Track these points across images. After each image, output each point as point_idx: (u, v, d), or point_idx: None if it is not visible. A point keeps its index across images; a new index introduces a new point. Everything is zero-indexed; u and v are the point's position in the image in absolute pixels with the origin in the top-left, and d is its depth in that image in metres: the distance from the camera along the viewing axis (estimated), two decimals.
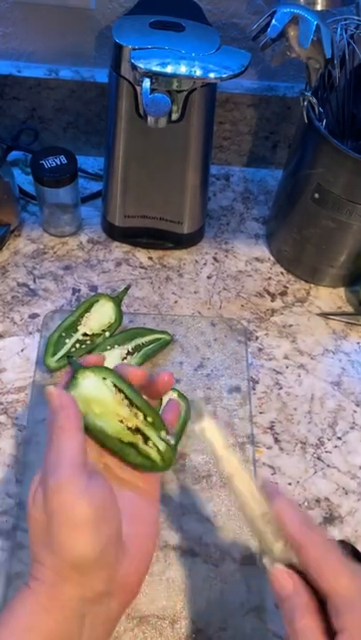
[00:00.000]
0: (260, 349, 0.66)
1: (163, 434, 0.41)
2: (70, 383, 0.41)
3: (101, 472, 0.39)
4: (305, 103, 0.58)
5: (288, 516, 0.36)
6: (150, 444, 0.41)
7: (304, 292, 0.72)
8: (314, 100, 0.57)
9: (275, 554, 0.36)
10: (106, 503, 0.36)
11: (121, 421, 0.41)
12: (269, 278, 0.73)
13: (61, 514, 0.35)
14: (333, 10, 0.60)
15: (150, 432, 0.41)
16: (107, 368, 0.42)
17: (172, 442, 0.41)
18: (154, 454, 0.40)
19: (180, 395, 0.59)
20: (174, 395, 0.59)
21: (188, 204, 0.68)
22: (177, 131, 0.60)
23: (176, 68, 0.52)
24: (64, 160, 0.66)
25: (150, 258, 0.73)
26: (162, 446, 0.40)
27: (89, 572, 0.35)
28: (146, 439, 0.41)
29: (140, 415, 0.41)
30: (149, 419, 0.41)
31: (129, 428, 0.41)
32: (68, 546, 0.35)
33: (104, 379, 0.41)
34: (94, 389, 0.41)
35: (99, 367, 0.42)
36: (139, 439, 0.41)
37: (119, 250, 0.73)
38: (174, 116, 0.58)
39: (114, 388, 0.41)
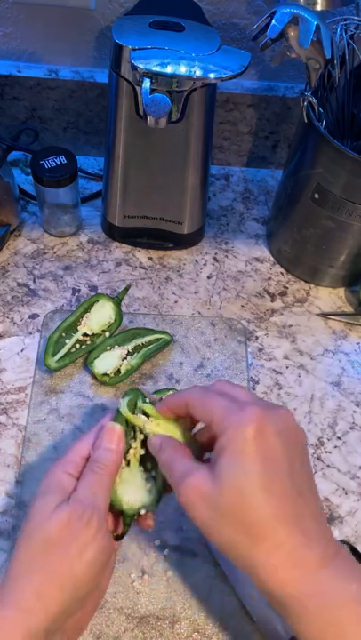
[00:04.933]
0: (260, 349, 0.66)
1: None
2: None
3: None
4: (305, 103, 0.58)
5: (173, 396, 0.43)
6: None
7: (304, 292, 0.72)
8: (314, 100, 0.57)
9: (147, 431, 0.43)
10: (109, 555, 0.40)
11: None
12: (269, 278, 0.73)
13: (82, 542, 0.37)
14: (333, 10, 0.60)
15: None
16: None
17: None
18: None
19: None
20: None
21: (188, 205, 0.68)
22: (177, 131, 0.60)
23: (176, 68, 0.52)
24: (64, 160, 0.66)
25: (150, 258, 0.73)
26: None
27: (71, 602, 0.37)
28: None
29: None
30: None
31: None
32: (74, 571, 0.37)
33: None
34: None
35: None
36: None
37: (119, 250, 0.73)
38: (174, 117, 0.58)
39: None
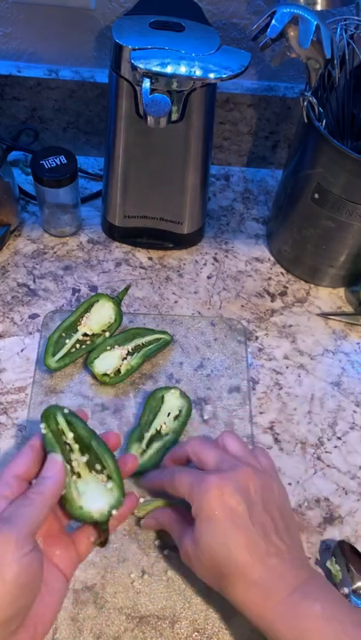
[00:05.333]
0: (260, 349, 0.66)
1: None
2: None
3: (40, 547, 0.41)
4: (305, 103, 0.58)
5: (149, 480, 0.52)
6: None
7: (304, 292, 0.72)
8: (314, 100, 0.57)
9: (139, 515, 0.52)
10: (35, 578, 0.38)
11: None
12: (269, 278, 0.73)
13: None
14: (333, 10, 0.60)
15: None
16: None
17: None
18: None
19: (182, 394, 0.59)
20: (176, 393, 0.59)
21: (188, 205, 0.68)
22: (177, 131, 0.60)
23: (176, 68, 0.52)
24: (64, 160, 0.66)
25: (150, 258, 0.73)
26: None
27: None
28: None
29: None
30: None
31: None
32: None
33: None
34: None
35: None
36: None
37: (119, 250, 0.73)
38: (174, 117, 0.58)
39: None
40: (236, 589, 0.43)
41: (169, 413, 0.58)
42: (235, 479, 0.44)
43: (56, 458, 0.43)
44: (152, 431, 0.57)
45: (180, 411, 0.58)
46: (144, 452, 0.56)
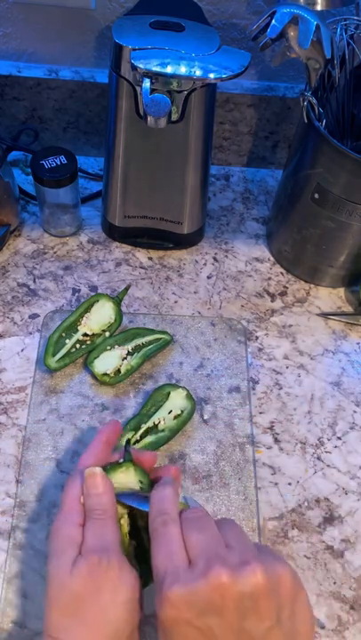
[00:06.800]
0: (260, 349, 0.66)
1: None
2: (113, 468, 0.44)
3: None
4: (305, 103, 0.58)
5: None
6: None
7: (304, 292, 0.72)
8: (314, 100, 0.57)
9: None
10: (137, 584, 0.39)
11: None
12: (269, 278, 0.73)
13: (110, 586, 0.37)
14: (333, 10, 0.60)
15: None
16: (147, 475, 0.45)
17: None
18: None
19: (188, 396, 0.59)
20: (183, 393, 0.59)
21: (188, 205, 0.68)
22: (177, 131, 0.60)
23: (176, 68, 0.52)
24: (64, 160, 0.66)
25: (150, 258, 0.73)
26: None
27: None
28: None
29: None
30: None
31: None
32: (111, 617, 0.37)
33: (140, 481, 0.44)
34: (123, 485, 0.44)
35: (143, 470, 0.45)
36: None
37: (119, 250, 0.73)
38: (174, 117, 0.58)
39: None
40: None
41: (170, 411, 0.58)
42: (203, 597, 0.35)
43: (95, 470, 0.42)
44: (149, 424, 0.57)
45: (181, 411, 0.58)
46: (137, 442, 0.56)
